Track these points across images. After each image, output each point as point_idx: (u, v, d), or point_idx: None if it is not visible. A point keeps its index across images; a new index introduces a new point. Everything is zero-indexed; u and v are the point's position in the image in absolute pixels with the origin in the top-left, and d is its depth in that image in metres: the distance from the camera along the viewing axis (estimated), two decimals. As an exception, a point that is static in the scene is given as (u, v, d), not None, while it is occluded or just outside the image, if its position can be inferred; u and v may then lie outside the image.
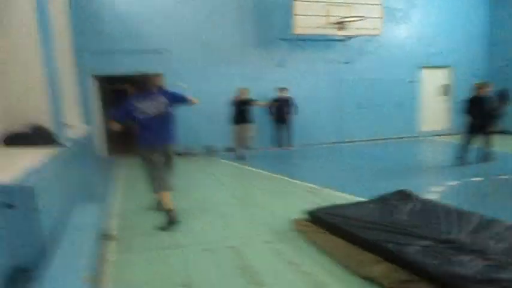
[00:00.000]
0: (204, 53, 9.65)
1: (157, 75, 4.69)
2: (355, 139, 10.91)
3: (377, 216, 3.78)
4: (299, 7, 9.15)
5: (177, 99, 4.49)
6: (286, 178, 6.44)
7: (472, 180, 5.93)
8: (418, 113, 12.03)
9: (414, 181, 5.98)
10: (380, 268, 2.85)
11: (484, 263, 2.67)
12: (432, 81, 12.11)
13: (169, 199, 4.27)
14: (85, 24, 8.62)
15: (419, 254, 2.86)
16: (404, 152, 9.34)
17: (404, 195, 4.39)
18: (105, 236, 3.83)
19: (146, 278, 3.03)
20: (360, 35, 10.16)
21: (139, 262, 3.32)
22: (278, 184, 6.19)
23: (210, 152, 9.29)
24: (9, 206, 2.70)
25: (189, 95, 4.72)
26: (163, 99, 4.35)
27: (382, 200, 4.29)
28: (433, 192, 5.27)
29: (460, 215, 3.63)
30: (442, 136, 11.66)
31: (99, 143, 9.46)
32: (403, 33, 11.49)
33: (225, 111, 9.80)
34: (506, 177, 6.00)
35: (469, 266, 2.63)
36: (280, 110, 9.58)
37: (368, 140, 10.94)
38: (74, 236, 3.17)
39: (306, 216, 4.04)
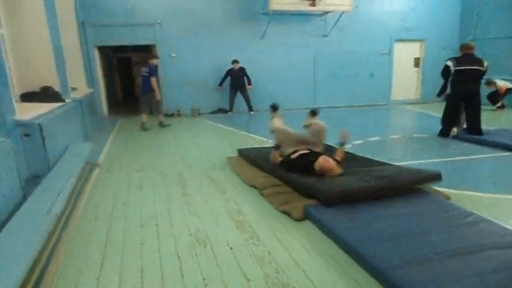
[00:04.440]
0: (193, 26, 11.01)
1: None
2: (328, 106, 12.25)
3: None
4: (274, -16, 10.36)
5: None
6: (243, 133, 8.09)
7: (391, 137, 7.41)
8: (390, 83, 13.27)
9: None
10: (262, 180, 4.43)
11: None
12: (405, 53, 13.25)
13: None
14: (87, 2, 10.07)
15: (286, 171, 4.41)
16: (362, 116, 10.72)
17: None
18: (93, 164, 5.50)
19: (114, 184, 4.70)
20: (331, 11, 11.35)
21: (112, 178, 5.00)
22: (235, 136, 7.85)
23: (195, 113, 10.86)
24: (26, 135, 4.33)
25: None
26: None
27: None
28: (355, 144, 6.75)
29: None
30: (411, 105, 12.93)
31: (102, 104, 11.09)
32: (379, 8, 12.54)
33: (211, 78, 11.28)
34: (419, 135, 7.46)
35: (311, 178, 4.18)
36: (235, 79, 10.93)
37: (340, 107, 12.28)
38: (69, 159, 4.83)
39: (237, 154, 5.66)
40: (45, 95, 6.11)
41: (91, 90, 9.53)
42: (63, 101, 6.20)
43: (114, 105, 13.54)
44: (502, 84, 10.36)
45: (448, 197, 3.79)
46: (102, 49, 11.40)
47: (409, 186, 3.68)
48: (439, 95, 7.47)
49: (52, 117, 5.02)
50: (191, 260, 2.80)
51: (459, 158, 5.65)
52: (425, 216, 3.24)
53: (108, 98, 11.77)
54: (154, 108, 8.80)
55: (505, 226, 3.04)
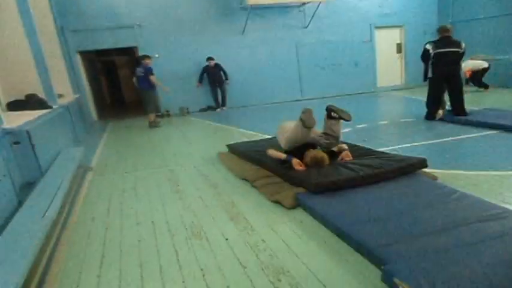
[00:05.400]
0: (173, 25, 11.04)
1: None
2: (315, 97, 12.33)
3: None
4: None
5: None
6: (233, 128, 8.21)
7: (378, 124, 7.54)
8: (374, 70, 13.40)
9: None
10: (252, 172, 4.51)
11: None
12: (386, 40, 13.40)
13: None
14: (65, 7, 10.00)
15: (275, 162, 4.49)
16: (350, 104, 10.78)
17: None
18: (86, 167, 5.54)
19: (108, 186, 4.76)
20: (309, 2, 11.43)
21: (106, 180, 5.05)
22: (224, 131, 8.00)
23: (183, 112, 10.91)
24: (16, 143, 4.35)
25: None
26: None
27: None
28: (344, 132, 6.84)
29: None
30: (397, 90, 13.05)
31: (90, 109, 11.06)
32: (357, -4, 12.66)
33: (195, 76, 11.30)
34: (406, 120, 7.60)
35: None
36: (212, 76, 11.10)
37: (327, 97, 12.31)
38: (61, 164, 4.85)
39: (227, 149, 5.73)
40: (31, 102, 6.10)
41: (77, 95, 9.50)
42: (50, 107, 6.19)
43: (103, 109, 13.50)
44: (467, 67, 10.16)
45: (435, 177, 3.91)
46: (85, 54, 11.35)
47: (397, 174, 3.79)
48: (424, 79, 7.56)
49: (40, 124, 5.03)
50: (188, 253, 2.88)
51: (445, 139, 5.79)
52: (413, 196, 3.35)
53: (96, 102, 11.74)
54: (151, 105, 9.01)
55: (488, 200, 3.17)
